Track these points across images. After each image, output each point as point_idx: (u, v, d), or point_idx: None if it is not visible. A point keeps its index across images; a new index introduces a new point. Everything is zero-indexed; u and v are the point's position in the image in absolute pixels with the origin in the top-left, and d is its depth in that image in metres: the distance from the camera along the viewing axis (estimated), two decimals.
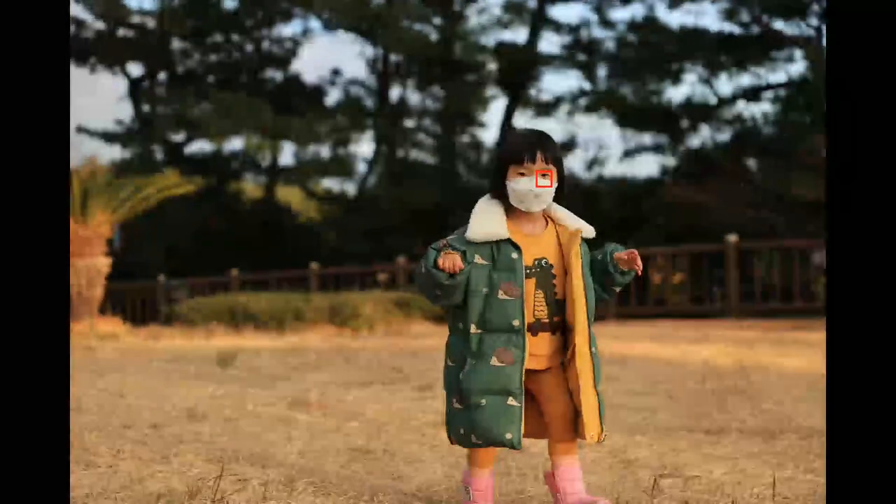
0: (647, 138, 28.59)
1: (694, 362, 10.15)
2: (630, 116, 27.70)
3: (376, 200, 30.86)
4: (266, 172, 36.99)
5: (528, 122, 56.39)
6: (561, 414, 4.00)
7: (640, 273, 4.02)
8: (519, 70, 31.39)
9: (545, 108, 31.93)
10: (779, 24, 26.28)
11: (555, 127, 37.23)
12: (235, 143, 36.00)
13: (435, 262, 3.82)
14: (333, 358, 10.99)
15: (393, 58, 33.43)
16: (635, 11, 44.48)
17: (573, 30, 30.04)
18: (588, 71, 29.89)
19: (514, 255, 3.91)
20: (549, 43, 59.31)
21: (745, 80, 27.44)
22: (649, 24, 27.58)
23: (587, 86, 30.04)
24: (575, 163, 43.17)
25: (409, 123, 33.62)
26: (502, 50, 31.52)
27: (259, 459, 5.18)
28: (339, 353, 11.59)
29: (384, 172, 33.71)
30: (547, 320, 3.97)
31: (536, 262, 3.96)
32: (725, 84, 41.34)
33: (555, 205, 4.05)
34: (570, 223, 4.04)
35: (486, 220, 3.94)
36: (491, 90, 33.40)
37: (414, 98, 33.97)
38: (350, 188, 36.38)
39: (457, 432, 3.94)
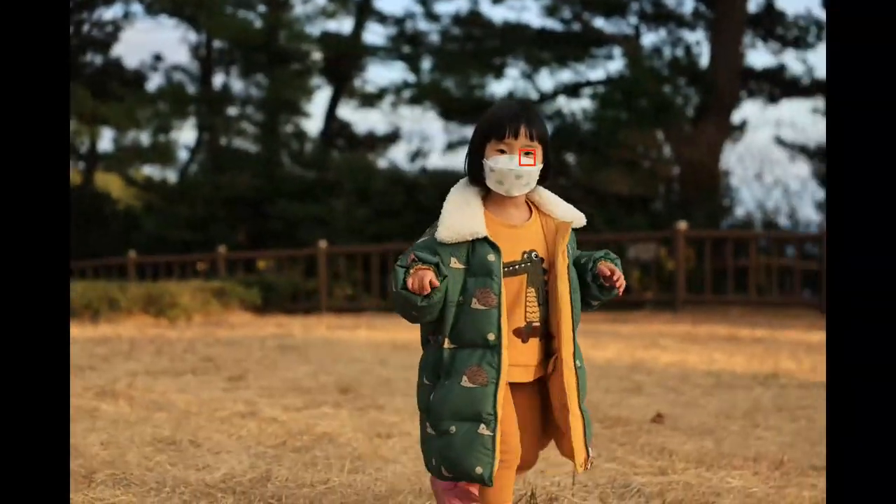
0: (469, 131, 28.81)
1: None
2: (453, 109, 27.87)
3: (198, 188, 30.42)
4: (84, 158, 36.16)
5: (352, 113, 55.85)
6: (529, 437, 3.54)
7: (620, 293, 3.55)
8: (344, 60, 31.33)
9: (369, 99, 31.94)
10: (599, 22, 26.80)
11: (379, 118, 37.10)
12: None
13: (404, 283, 3.30)
14: (146, 347, 10.81)
15: (216, 44, 33.01)
16: (460, 5, 44.88)
17: (398, 22, 30.09)
18: (412, 63, 29.99)
19: (491, 257, 3.36)
20: (374, 34, 59.42)
21: (566, 76, 27.94)
22: (473, 19, 27.80)
23: (411, 78, 30.15)
24: (398, 155, 42.93)
25: (233, 111, 33.20)
26: (327, 40, 31.40)
27: None
28: (151, 342, 11.41)
29: (206, 160, 33.28)
30: (538, 324, 3.45)
31: (526, 256, 3.44)
32: (547, 79, 41.98)
33: (540, 188, 3.56)
34: (558, 211, 3.55)
35: (458, 216, 3.40)
36: (315, 80, 33.24)
37: (237, 86, 33.57)
38: (171, 176, 35.81)
39: (429, 462, 3.46)
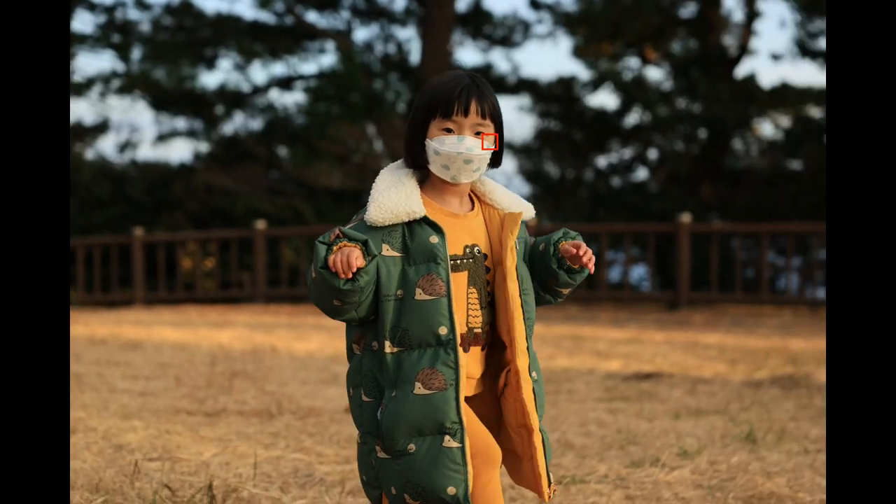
0: (181, 123, 28.42)
1: (209, 346, 10.21)
2: (164, 100, 27.44)
3: None
4: None
5: None
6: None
7: (592, 271, 3.06)
8: None
9: (77, 89, 31.03)
10: (312, 16, 26.89)
11: (86, 108, 36.09)
12: None
13: (326, 261, 2.78)
14: None
15: None
16: None
17: (108, 10, 29.35)
18: (122, 52, 29.33)
19: (434, 239, 2.87)
20: (83, 22, 57.82)
21: (279, 69, 27.88)
22: (185, 8, 27.43)
23: (121, 67, 29.49)
24: (106, 146, 41.85)
25: None
26: None
27: None
28: None
29: None
30: (480, 330, 2.97)
31: (468, 251, 2.96)
32: (259, 72, 41.77)
33: (484, 177, 3.06)
34: (505, 202, 3.05)
35: (391, 195, 2.89)
36: None
37: None
38: None
39: (389, 492, 2.90)
